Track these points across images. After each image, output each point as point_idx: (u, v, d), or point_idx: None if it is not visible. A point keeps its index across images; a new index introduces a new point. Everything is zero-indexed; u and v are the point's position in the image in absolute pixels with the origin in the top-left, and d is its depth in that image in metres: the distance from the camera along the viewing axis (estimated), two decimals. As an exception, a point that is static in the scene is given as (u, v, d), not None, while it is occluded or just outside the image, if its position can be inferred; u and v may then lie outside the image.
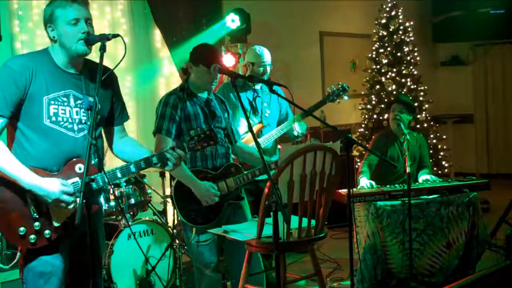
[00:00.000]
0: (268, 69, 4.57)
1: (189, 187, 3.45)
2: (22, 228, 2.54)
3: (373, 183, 4.60)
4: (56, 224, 2.59)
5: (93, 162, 2.65)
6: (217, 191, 3.48)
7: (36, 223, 2.55)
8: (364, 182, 4.61)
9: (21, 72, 2.57)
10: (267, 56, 4.57)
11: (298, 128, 4.47)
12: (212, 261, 3.59)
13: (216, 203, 3.49)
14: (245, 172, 3.63)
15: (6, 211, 2.54)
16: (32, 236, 2.55)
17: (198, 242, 3.54)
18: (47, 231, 2.57)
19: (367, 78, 7.66)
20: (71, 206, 2.55)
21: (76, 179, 2.61)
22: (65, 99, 2.66)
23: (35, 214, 2.55)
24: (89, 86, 2.73)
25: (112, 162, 4.32)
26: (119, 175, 2.66)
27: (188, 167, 3.51)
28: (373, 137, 5.27)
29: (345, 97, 4.82)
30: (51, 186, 2.51)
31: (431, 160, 7.06)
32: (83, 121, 2.70)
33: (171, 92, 3.63)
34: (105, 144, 2.96)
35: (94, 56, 2.79)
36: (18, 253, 2.62)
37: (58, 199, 2.51)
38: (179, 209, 3.49)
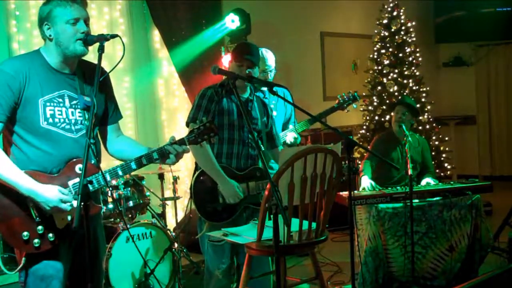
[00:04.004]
0: (270, 75, 4.47)
1: (211, 182, 3.47)
2: (25, 233, 2.53)
3: (373, 183, 4.56)
4: (59, 227, 2.58)
5: (93, 161, 2.64)
6: (241, 192, 3.49)
7: (39, 227, 2.55)
8: (366, 183, 4.56)
9: (15, 76, 2.56)
10: (270, 60, 4.48)
11: (291, 138, 4.44)
12: (224, 263, 3.56)
13: (233, 204, 3.49)
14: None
15: (8, 216, 2.53)
16: (36, 240, 2.54)
17: (211, 241, 3.51)
18: (50, 234, 2.57)
19: (369, 79, 7.62)
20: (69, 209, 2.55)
21: (77, 179, 2.61)
22: (60, 100, 2.65)
23: (37, 218, 2.55)
24: (83, 86, 2.71)
25: (109, 163, 4.28)
26: (120, 173, 2.65)
27: None
28: (374, 138, 5.21)
29: (355, 106, 4.81)
30: (50, 193, 2.50)
31: (433, 162, 7.03)
32: (80, 121, 2.69)
33: (210, 86, 3.64)
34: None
35: (92, 57, 2.75)
36: (23, 258, 2.59)
37: (56, 207, 2.51)
38: (196, 202, 3.50)
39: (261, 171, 3.63)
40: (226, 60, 6.25)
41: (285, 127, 4.62)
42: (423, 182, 4.75)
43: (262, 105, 3.75)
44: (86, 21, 2.63)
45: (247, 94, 3.68)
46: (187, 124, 3.58)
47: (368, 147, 5.36)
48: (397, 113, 4.84)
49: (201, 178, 3.52)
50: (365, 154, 6.49)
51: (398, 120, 4.79)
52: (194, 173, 3.58)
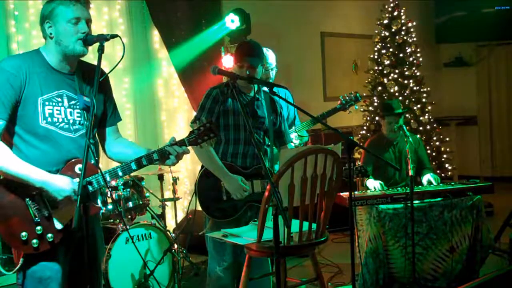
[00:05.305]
0: (271, 73, 4.46)
1: (215, 180, 3.48)
2: (23, 233, 2.51)
3: (382, 182, 4.54)
4: (59, 227, 2.57)
5: (92, 161, 2.62)
6: (247, 186, 3.49)
7: (38, 227, 2.53)
8: (375, 183, 4.56)
9: (16, 74, 2.56)
10: (271, 59, 4.47)
11: (296, 141, 4.45)
12: (225, 261, 3.56)
13: (236, 202, 3.49)
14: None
15: (7, 216, 2.52)
16: (35, 241, 2.53)
17: (213, 237, 3.50)
18: (49, 235, 2.55)
19: (369, 80, 7.60)
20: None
21: (77, 180, 2.59)
22: (59, 99, 2.64)
23: (36, 218, 2.53)
24: (82, 86, 2.71)
25: (109, 164, 4.27)
26: (120, 173, 2.64)
27: None
28: (366, 142, 5.19)
29: (356, 107, 4.79)
30: (62, 183, 2.50)
31: (434, 163, 7.01)
32: (78, 122, 2.68)
33: (216, 86, 3.63)
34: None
35: (91, 58, 2.74)
36: (21, 259, 2.58)
37: (68, 196, 2.50)
38: (200, 199, 3.51)
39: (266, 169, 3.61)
40: (226, 60, 6.25)
41: (289, 128, 4.62)
42: (424, 179, 4.74)
43: (270, 102, 3.71)
44: (88, 22, 2.63)
45: (253, 93, 3.66)
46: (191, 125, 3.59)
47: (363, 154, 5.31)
48: (389, 124, 4.80)
49: (206, 175, 3.52)
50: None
51: (392, 130, 4.77)
52: (200, 170, 3.59)
